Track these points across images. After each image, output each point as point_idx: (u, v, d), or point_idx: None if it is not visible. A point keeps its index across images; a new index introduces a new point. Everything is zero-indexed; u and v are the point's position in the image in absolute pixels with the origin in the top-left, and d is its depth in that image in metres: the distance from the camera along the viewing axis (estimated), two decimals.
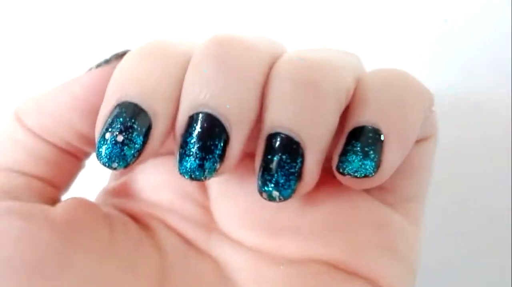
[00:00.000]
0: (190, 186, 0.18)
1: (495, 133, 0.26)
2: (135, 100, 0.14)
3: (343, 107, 0.15)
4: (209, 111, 0.14)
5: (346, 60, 0.16)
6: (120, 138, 0.14)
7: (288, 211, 0.17)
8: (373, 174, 0.15)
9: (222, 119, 0.14)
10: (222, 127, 0.14)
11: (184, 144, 0.14)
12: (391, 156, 0.15)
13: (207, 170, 0.14)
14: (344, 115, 0.16)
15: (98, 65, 0.17)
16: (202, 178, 0.14)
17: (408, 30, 0.27)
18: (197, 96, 0.14)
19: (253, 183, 0.16)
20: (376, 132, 0.15)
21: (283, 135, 0.14)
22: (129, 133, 0.14)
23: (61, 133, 0.17)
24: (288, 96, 0.14)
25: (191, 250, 0.17)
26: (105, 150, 0.14)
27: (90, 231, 0.16)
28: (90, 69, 0.17)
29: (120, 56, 0.16)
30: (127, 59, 0.15)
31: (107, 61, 0.17)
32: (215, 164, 0.14)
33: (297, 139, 0.14)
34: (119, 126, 0.14)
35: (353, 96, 0.16)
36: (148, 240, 0.17)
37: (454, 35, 0.26)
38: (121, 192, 0.19)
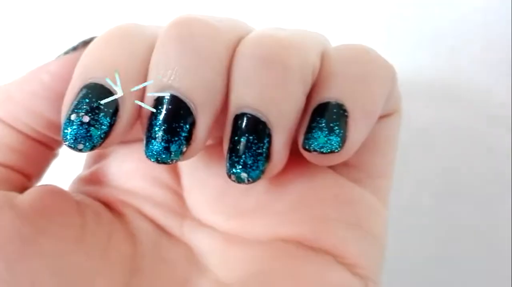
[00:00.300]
0: (162, 173, 0.18)
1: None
2: (101, 81, 0.14)
3: (309, 85, 0.15)
4: (174, 92, 0.14)
5: (312, 38, 0.16)
6: (86, 118, 0.14)
7: (256, 193, 0.17)
8: (339, 149, 0.15)
9: (187, 100, 0.14)
10: (187, 109, 0.14)
11: (150, 127, 0.14)
12: (356, 131, 0.15)
13: (173, 153, 0.14)
14: (310, 93, 0.15)
15: (66, 53, 0.16)
16: (169, 161, 0.14)
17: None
18: (161, 78, 0.14)
19: (221, 167, 0.17)
20: (340, 107, 0.15)
21: (248, 115, 0.14)
22: (96, 113, 0.14)
23: (30, 121, 0.17)
24: (252, 74, 0.14)
25: (164, 237, 0.17)
26: (71, 131, 0.14)
27: (60, 218, 0.16)
28: (58, 56, 0.17)
29: (87, 42, 0.16)
30: (94, 43, 0.15)
31: (74, 48, 0.17)
32: (181, 147, 0.14)
33: (263, 118, 0.14)
34: (85, 107, 0.14)
35: (318, 72, 0.15)
36: (121, 228, 0.17)
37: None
38: (94, 179, 0.19)
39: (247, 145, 0.14)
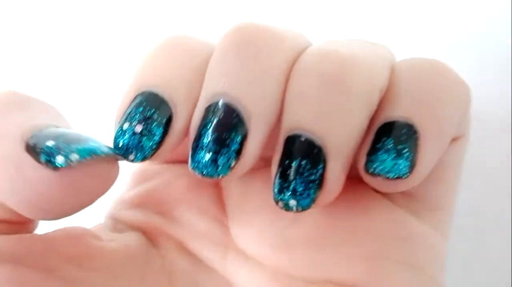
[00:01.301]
0: (209, 202, 0.17)
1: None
2: (155, 89, 0.13)
3: (374, 108, 0.14)
4: (227, 100, 0.13)
5: (379, 53, 0.14)
6: (138, 128, 0.13)
7: (303, 222, 0.16)
8: (407, 175, 0.13)
9: (241, 110, 0.13)
10: (240, 119, 0.13)
11: (198, 137, 0.13)
12: (427, 155, 0.13)
13: (220, 167, 0.13)
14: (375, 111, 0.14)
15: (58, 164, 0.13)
16: (215, 175, 0.13)
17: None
18: (215, 85, 0.13)
19: (270, 196, 0.15)
20: (410, 128, 0.13)
21: (303, 138, 0.13)
22: (148, 123, 0.13)
23: None
24: (312, 93, 0.13)
25: (202, 273, 0.16)
26: (123, 141, 0.13)
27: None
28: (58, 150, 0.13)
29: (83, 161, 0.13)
30: (148, 51, 0.15)
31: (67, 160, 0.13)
32: (230, 160, 0.13)
33: (318, 142, 0.13)
34: (138, 116, 0.13)
35: (386, 89, 0.14)
36: (157, 262, 0.16)
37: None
38: (137, 203, 0.18)
39: (298, 170, 0.13)
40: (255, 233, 0.16)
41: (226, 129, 0.13)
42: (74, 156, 0.12)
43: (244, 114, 0.13)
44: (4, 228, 0.14)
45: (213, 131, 0.13)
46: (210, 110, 0.13)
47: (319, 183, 0.13)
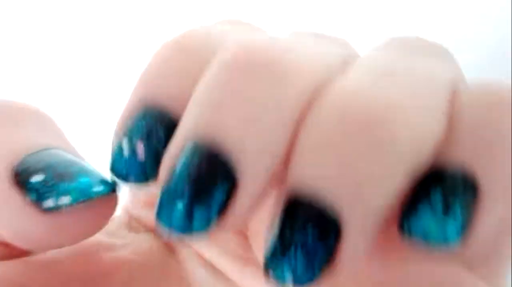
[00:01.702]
0: None
1: None
2: (159, 102, 0.11)
3: (421, 168, 0.10)
4: (211, 146, 0.10)
5: (434, 84, 0.11)
6: (140, 148, 0.11)
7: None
8: (457, 240, 0.10)
9: (229, 160, 0.10)
10: (227, 171, 0.10)
11: (170, 179, 0.10)
12: (489, 217, 0.10)
13: (196, 223, 0.10)
14: None
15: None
16: (186, 232, 0.10)
17: None
18: (200, 120, 0.10)
19: None
20: (467, 178, 0.10)
21: (313, 206, 0.10)
22: (150, 142, 0.11)
23: None
24: (331, 145, 0.10)
25: (220, 283, 0.15)
26: (118, 161, 0.11)
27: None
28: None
29: None
30: (156, 56, 0.12)
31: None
32: (211, 219, 0.10)
33: (334, 215, 0.10)
34: (140, 133, 0.11)
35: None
36: (174, 269, 0.15)
37: None
38: (152, 203, 0.16)
39: (302, 244, 0.10)
40: None
41: (207, 178, 0.10)
42: (65, 200, 0.11)
43: (234, 166, 0.10)
44: (7, 252, 0.13)
45: (189, 175, 0.10)
46: (186, 153, 0.10)
47: (328, 260, 0.10)
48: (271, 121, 0.10)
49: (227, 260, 0.15)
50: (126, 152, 0.11)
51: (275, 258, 0.10)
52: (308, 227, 0.10)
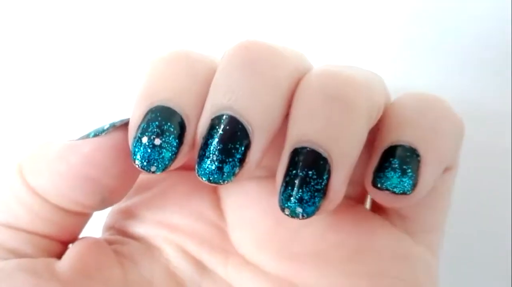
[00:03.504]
0: (207, 209, 0.18)
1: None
2: (168, 103, 0.14)
3: (373, 124, 0.15)
4: (232, 114, 0.14)
5: (376, 80, 0.16)
6: (157, 141, 0.14)
7: (307, 235, 0.17)
8: (411, 191, 0.15)
9: (245, 122, 0.14)
10: (244, 131, 0.14)
11: (205, 146, 0.14)
12: (427, 177, 0.15)
13: (225, 174, 0.14)
14: (373, 133, 0.15)
15: (96, 134, 0.16)
16: (220, 181, 0.14)
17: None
18: (221, 98, 0.14)
19: (272, 204, 0.16)
20: (414, 152, 0.15)
21: (310, 150, 0.14)
22: (166, 136, 0.14)
23: (56, 199, 0.16)
24: (318, 108, 0.14)
25: (206, 277, 0.17)
26: (144, 154, 0.14)
27: (101, 274, 0.16)
28: (84, 136, 0.16)
29: (116, 126, 0.16)
30: (153, 65, 0.15)
31: (104, 130, 0.16)
32: (234, 168, 0.14)
33: (324, 154, 0.14)
34: (155, 129, 0.14)
35: (387, 115, 0.16)
36: (161, 269, 0.17)
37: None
38: (135, 212, 0.18)
39: (305, 179, 0.14)
40: (257, 241, 0.17)
41: (231, 140, 0.14)
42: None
43: (248, 127, 0.14)
44: (47, 244, 0.16)
45: (219, 142, 0.14)
46: (216, 122, 0.14)
47: (324, 192, 0.14)
48: (270, 94, 0.14)
49: (209, 252, 0.17)
50: (147, 147, 0.14)
51: (287, 200, 0.14)
52: (309, 166, 0.14)
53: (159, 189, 0.18)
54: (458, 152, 0.17)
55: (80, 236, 0.17)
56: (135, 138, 0.14)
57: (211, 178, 0.14)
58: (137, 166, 0.14)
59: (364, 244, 0.17)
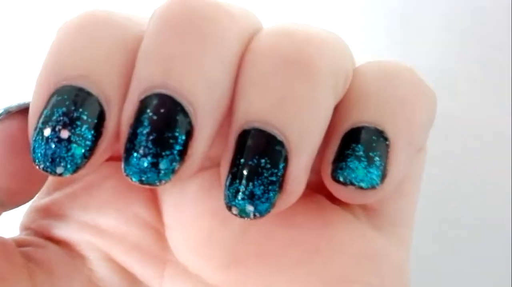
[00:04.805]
0: (141, 208, 0.14)
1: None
2: (79, 82, 0.11)
3: (340, 96, 0.12)
4: (167, 92, 0.11)
5: (341, 40, 0.13)
6: (65, 134, 0.11)
7: (254, 234, 0.14)
8: (379, 184, 0.12)
9: (185, 103, 0.11)
10: (184, 114, 0.11)
11: (133, 137, 0.11)
12: (398, 164, 0.12)
13: (162, 172, 0.11)
14: (338, 111, 0.12)
15: None
16: (156, 181, 0.11)
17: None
18: (151, 73, 0.11)
19: (216, 201, 0.13)
20: (381, 134, 0.12)
21: (261, 132, 0.11)
22: (77, 126, 0.11)
23: None
24: (270, 77, 0.11)
25: None
26: (46, 150, 0.11)
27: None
28: None
29: (10, 112, 0.12)
30: (62, 34, 0.12)
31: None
32: (174, 164, 0.11)
33: (280, 137, 0.11)
34: (62, 118, 0.11)
35: (349, 89, 0.13)
36: (81, 285, 0.14)
37: None
38: (55, 211, 0.15)
39: (256, 170, 0.11)
40: (196, 245, 0.14)
41: (168, 127, 0.11)
42: None
43: (189, 109, 0.11)
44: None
45: (152, 130, 0.11)
46: (146, 103, 0.11)
47: (280, 184, 0.11)
48: (216, 63, 0.11)
49: (142, 262, 0.14)
50: (51, 142, 0.11)
51: (235, 196, 0.11)
52: (260, 152, 0.11)
53: (84, 184, 0.15)
54: (430, 129, 0.14)
55: None
56: (35, 129, 0.11)
57: (143, 178, 0.11)
58: (37, 166, 0.11)
59: (320, 241, 0.13)
